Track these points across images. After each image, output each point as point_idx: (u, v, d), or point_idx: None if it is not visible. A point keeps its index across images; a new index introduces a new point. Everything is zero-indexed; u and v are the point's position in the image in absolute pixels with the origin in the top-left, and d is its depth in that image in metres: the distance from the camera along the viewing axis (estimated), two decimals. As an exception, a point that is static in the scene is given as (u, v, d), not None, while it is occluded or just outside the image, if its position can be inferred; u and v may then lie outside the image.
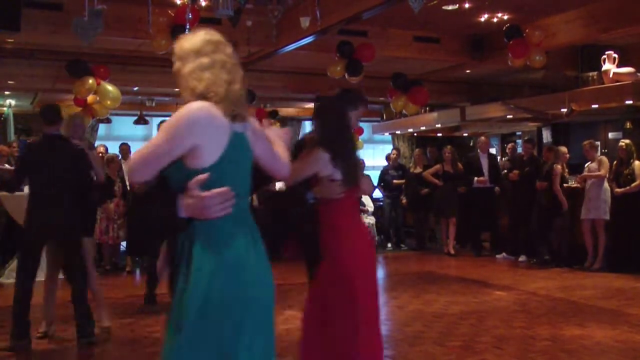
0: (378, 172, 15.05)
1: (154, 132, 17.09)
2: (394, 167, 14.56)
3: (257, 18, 9.70)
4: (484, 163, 12.67)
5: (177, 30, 8.61)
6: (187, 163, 2.78)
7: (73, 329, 6.48)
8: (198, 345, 2.75)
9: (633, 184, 10.52)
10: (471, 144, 17.28)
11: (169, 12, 8.83)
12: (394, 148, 16.85)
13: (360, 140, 16.93)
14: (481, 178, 12.56)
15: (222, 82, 2.89)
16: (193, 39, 2.94)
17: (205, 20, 9.33)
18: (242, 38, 10.20)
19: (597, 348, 6.21)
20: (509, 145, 13.31)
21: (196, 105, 2.80)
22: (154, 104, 15.39)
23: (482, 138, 13.13)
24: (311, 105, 15.88)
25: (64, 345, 6.62)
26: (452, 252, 13.00)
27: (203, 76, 2.87)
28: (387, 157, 15.13)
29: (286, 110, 17.42)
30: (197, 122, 2.76)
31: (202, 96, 2.85)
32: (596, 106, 11.36)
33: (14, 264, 9.15)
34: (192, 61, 2.90)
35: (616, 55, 11.04)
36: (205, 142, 2.76)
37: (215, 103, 2.83)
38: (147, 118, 15.82)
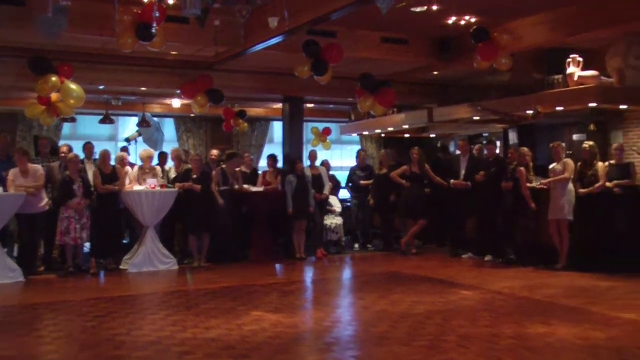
0: (345, 173, 15.08)
1: (120, 132, 16.99)
2: (361, 167, 14.57)
3: (225, 18, 9.63)
4: (463, 165, 12.74)
5: (143, 28, 8.53)
6: None
7: None
8: None
9: (596, 185, 10.66)
10: (438, 145, 17.36)
11: (135, 10, 8.71)
12: (361, 149, 16.88)
13: (328, 141, 16.96)
14: (456, 181, 12.60)
15: None
16: None
17: (173, 19, 9.29)
18: (209, 38, 10.15)
19: (560, 345, 6.26)
20: (475, 147, 13.39)
21: None
22: (120, 103, 15.21)
23: (462, 142, 13.23)
24: (279, 105, 15.84)
25: None
26: (414, 251, 13.11)
27: None
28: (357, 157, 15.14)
29: (254, 111, 17.35)
30: None
31: None
32: (561, 108, 11.47)
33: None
34: None
35: (581, 59, 11.16)
36: None
37: None
38: (112, 117, 15.65)
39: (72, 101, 10.93)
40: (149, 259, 11.36)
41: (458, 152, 13.64)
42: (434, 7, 9.66)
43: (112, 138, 17.17)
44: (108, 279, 10.81)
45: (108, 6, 8.61)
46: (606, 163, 10.94)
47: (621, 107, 11.90)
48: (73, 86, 10.84)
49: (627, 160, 11.22)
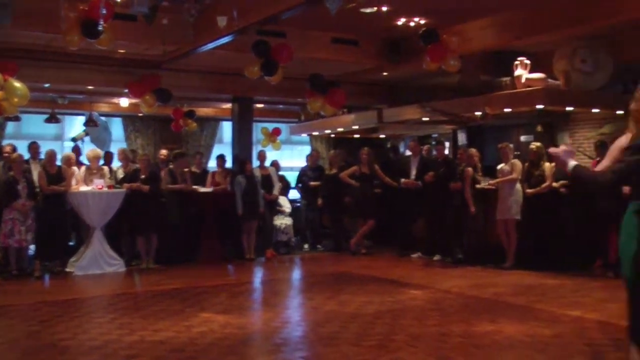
0: (296, 174, 15.06)
1: (67, 131, 16.71)
2: (312, 168, 14.57)
3: (173, 16, 9.53)
4: (414, 166, 12.81)
5: (89, 25, 8.38)
6: None
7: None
8: None
9: (543, 185, 10.81)
10: (388, 145, 17.45)
11: (81, 6, 8.54)
12: (313, 149, 16.87)
13: (278, 141, 16.92)
14: (407, 180, 12.68)
15: None
16: None
17: (120, 16, 9.15)
18: (158, 36, 10.03)
19: (507, 342, 6.33)
20: (425, 148, 13.49)
21: None
22: (66, 102, 14.98)
23: (412, 142, 13.31)
24: (229, 105, 15.76)
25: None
26: (364, 251, 13.18)
27: None
28: (307, 158, 15.15)
29: (204, 111, 17.24)
30: None
31: None
32: (509, 110, 11.62)
33: None
34: None
35: (528, 62, 11.32)
36: None
37: None
38: (58, 116, 15.40)
39: (16, 99, 10.65)
40: (96, 261, 11.17)
41: (408, 152, 13.73)
42: (384, 9, 9.73)
43: (59, 138, 16.88)
44: (53, 282, 10.59)
45: (53, 2, 8.45)
46: (553, 164, 11.10)
47: (567, 109, 12.12)
48: (17, 84, 10.56)
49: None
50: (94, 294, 9.77)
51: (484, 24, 10.62)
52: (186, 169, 12.75)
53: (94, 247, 11.17)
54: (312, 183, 14.22)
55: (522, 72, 11.28)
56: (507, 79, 11.72)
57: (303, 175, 14.52)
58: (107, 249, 11.34)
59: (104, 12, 8.09)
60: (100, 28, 8.47)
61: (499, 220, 11.10)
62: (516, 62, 11.38)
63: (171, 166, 12.41)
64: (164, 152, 13.49)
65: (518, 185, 11.03)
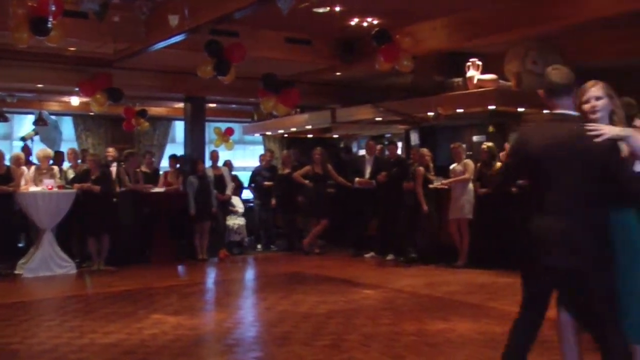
0: (249, 173, 15.02)
1: (15, 130, 16.41)
2: (266, 168, 14.54)
3: (124, 14, 9.43)
4: (369, 165, 12.86)
5: (38, 22, 8.22)
6: None
7: None
8: None
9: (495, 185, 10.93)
10: (341, 145, 17.49)
11: (30, 3, 8.36)
12: (267, 149, 16.82)
13: (231, 141, 16.84)
14: (362, 179, 12.74)
15: None
16: None
17: (71, 13, 9.00)
18: (109, 34, 9.91)
19: (459, 340, 6.39)
20: (378, 147, 13.54)
21: None
22: (15, 101, 14.70)
23: (370, 142, 13.38)
24: (181, 105, 15.64)
25: None
26: (317, 251, 13.22)
27: None
28: (261, 158, 15.14)
29: (156, 110, 17.07)
30: None
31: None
32: (461, 110, 11.72)
33: None
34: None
35: (480, 63, 11.44)
36: None
37: None
38: (7, 115, 15.10)
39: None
40: (46, 263, 10.98)
41: (362, 152, 13.78)
42: (337, 9, 9.74)
43: (7, 137, 16.57)
44: (1, 285, 10.37)
45: (0, -2, 8.30)
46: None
47: (519, 109, 12.26)
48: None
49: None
50: (44, 296, 9.62)
51: (436, 25, 10.70)
52: (138, 169, 12.63)
53: (44, 248, 10.98)
54: (266, 183, 14.19)
55: (474, 73, 11.39)
56: (459, 79, 11.82)
57: (257, 175, 14.48)
58: (57, 250, 11.16)
59: (54, 8, 7.95)
60: (49, 25, 8.32)
61: (451, 219, 11.20)
62: (468, 63, 11.49)
63: (123, 165, 12.28)
64: (111, 150, 13.24)
65: (470, 185, 11.14)
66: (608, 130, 3.95)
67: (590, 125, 4.01)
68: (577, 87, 4.40)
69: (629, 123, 4.56)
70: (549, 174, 4.16)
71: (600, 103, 4.23)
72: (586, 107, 4.25)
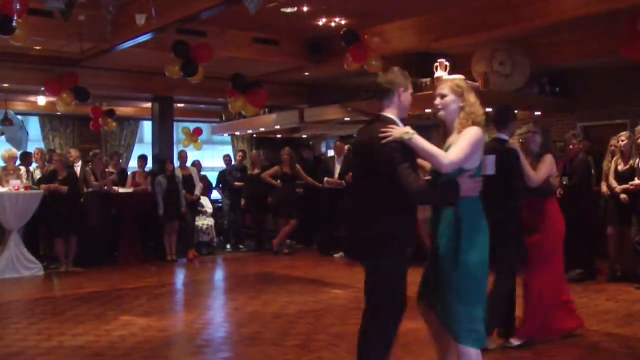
0: (216, 174, 14.99)
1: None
2: (238, 168, 14.52)
3: (90, 12, 9.35)
4: (338, 166, 12.90)
5: (2, 21, 8.12)
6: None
7: None
8: (481, 280, 4.36)
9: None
10: (310, 144, 17.51)
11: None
12: (240, 150, 16.78)
13: (199, 141, 16.80)
14: (331, 179, 12.78)
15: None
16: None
17: (35, 12, 8.91)
18: (75, 33, 9.82)
19: (428, 339, 6.40)
20: (346, 147, 13.57)
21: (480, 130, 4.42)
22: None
23: (338, 142, 13.45)
24: (149, 104, 15.56)
25: None
26: (286, 251, 13.22)
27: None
28: (226, 159, 15.14)
29: (123, 110, 16.96)
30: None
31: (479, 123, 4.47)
32: (429, 111, 11.78)
33: None
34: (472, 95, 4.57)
35: (448, 63, 11.52)
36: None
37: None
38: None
39: None
40: (13, 265, 10.88)
41: (331, 152, 13.82)
42: (304, 9, 9.75)
43: (-30, 137, 16.36)
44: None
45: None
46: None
47: (486, 109, 12.36)
48: None
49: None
50: (11, 298, 9.51)
51: (404, 25, 10.75)
52: (106, 169, 12.56)
53: (10, 250, 10.88)
54: (236, 183, 14.18)
55: (441, 74, 11.46)
56: (427, 79, 11.89)
57: (228, 175, 14.46)
58: (24, 252, 11.05)
59: (18, 7, 7.85)
60: (14, 24, 8.23)
61: (421, 219, 11.23)
62: (436, 64, 11.56)
63: (90, 166, 12.20)
64: (72, 151, 13.00)
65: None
66: (395, 132, 4.16)
67: (384, 128, 4.21)
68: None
69: None
70: (354, 171, 4.76)
71: (443, 101, 4.52)
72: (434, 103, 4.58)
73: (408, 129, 4.26)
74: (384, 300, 4.54)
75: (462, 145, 4.24)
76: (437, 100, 4.54)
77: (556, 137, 12.59)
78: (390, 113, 4.41)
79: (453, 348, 4.52)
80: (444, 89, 4.54)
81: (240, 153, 15.40)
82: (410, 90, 4.56)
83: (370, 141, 4.26)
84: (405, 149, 4.17)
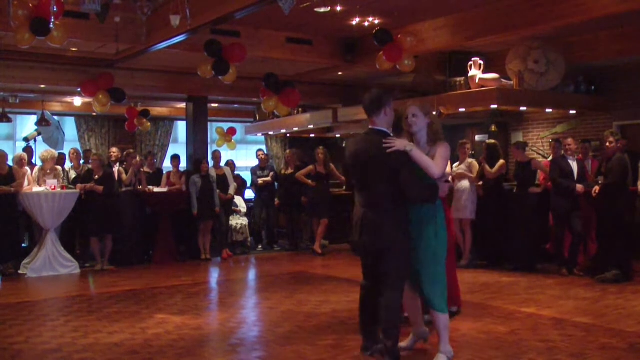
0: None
1: (18, 131, 16.44)
2: (262, 167, 14.54)
3: (126, 14, 9.45)
4: None
5: (39, 23, 8.22)
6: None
7: None
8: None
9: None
10: (344, 145, 17.48)
11: (31, 4, 8.35)
12: (259, 150, 16.78)
13: (233, 141, 16.86)
14: None
15: None
16: None
17: (71, 14, 9.01)
18: (110, 35, 9.92)
19: (463, 340, 6.40)
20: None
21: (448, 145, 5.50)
22: (17, 101, 14.71)
23: None
24: (183, 105, 15.65)
25: None
26: (319, 251, 13.13)
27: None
28: (259, 153, 15.11)
29: (158, 110, 17.09)
30: None
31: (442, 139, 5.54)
32: (463, 110, 11.72)
33: None
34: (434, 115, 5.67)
35: (482, 62, 11.45)
36: None
37: None
38: (10, 116, 15.12)
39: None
40: (50, 263, 11.02)
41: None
42: (338, 9, 9.73)
43: (10, 137, 16.60)
44: (6, 285, 10.41)
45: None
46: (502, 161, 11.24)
47: (521, 108, 12.28)
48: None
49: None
50: (48, 296, 9.62)
51: (438, 25, 10.70)
52: (142, 169, 12.66)
53: (47, 249, 11.02)
54: (260, 180, 14.15)
55: (475, 73, 11.40)
56: (461, 79, 11.82)
57: (253, 174, 14.48)
58: (60, 250, 11.19)
59: (55, 9, 7.95)
60: (51, 26, 8.32)
61: (454, 219, 11.17)
62: (470, 63, 11.49)
63: (124, 165, 12.32)
64: (114, 150, 13.18)
65: (474, 185, 11.13)
66: (398, 144, 5.17)
67: (387, 139, 5.23)
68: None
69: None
70: (357, 176, 5.52)
71: (414, 120, 5.53)
72: (407, 122, 5.56)
73: (407, 142, 5.28)
74: (401, 273, 5.40)
75: (442, 158, 5.37)
76: (410, 119, 5.54)
77: (592, 136, 12.48)
78: (381, 127, 5.41)
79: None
80: (414, 110, 5.55)
81: (260, 152, 15.18)
82: (392, 107, 5.46)
83: (372, 150, 5.28)
84: (407, 157, 5.19)
